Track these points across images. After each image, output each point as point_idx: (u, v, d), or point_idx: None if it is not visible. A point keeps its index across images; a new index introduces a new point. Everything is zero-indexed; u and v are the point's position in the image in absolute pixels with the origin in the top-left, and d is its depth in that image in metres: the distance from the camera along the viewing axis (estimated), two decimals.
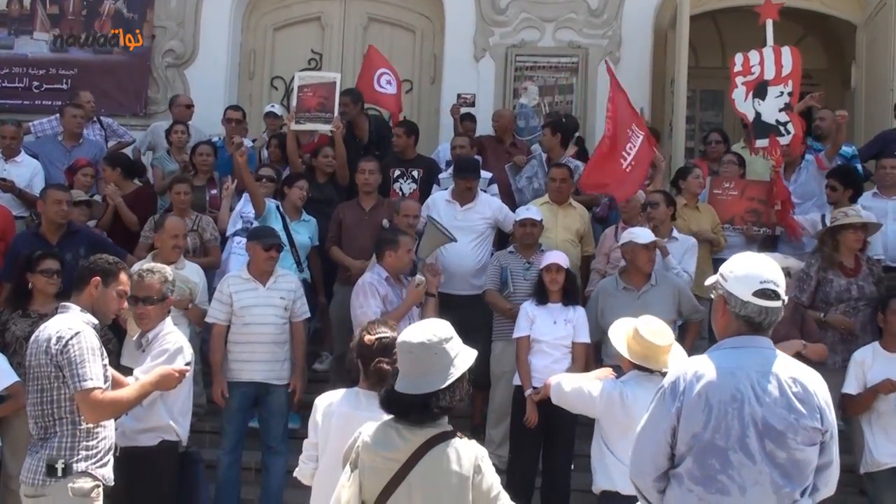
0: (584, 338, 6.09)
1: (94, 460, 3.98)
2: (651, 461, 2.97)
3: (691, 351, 5.05)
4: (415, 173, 8.08)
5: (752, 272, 2.98)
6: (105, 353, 4.06)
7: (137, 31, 10.61)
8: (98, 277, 4.13)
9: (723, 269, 3.07)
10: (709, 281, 3.15)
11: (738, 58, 7.57)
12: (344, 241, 7.26)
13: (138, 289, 4.70)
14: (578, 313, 6.14)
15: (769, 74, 7.38)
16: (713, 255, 7.20)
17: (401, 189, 8.02)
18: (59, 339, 3.90)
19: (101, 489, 4.01)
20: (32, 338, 4.06)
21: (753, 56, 7.49)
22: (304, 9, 10.94)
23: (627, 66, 10.04)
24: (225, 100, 9.88)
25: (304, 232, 7.28)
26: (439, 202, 7.30)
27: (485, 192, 7.63)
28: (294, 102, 8.16)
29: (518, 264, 6.70)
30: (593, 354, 6.24)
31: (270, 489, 6.15)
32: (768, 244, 7.44)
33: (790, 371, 2.94)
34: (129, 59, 10.66)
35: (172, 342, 4.66)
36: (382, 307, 5.98)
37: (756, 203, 7.49)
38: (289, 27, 10.96)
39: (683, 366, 3.00)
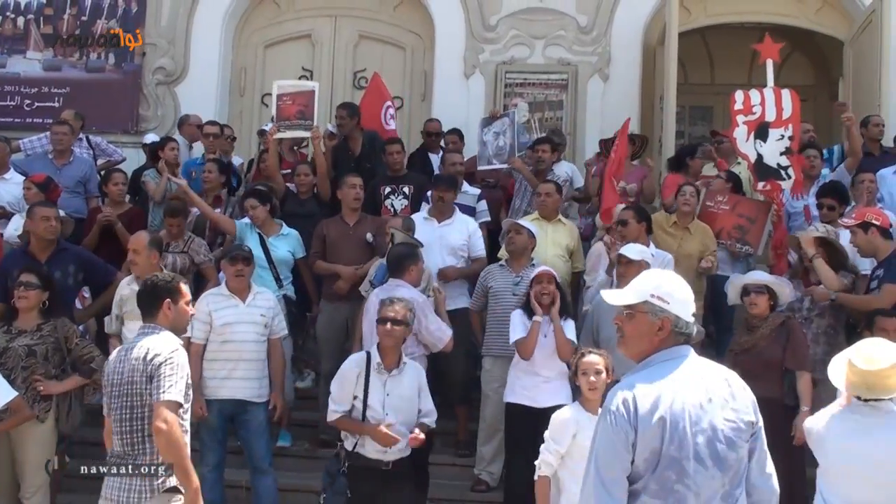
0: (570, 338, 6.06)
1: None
2: (622, 485, 2.93)
3: None
4: (405, 189, 8.09)
5: (688, 295, 3.10)
6: (189, 376, 4.15)
7: (137, 31, 10.68)
8: (168, 299, 4.23)
9: (657, 291, 3.06)
10: (633, 298, 3.08)
11: (739, 95, 7.56)
12: (328, 255, 7.26)
13: None
14: (567, 324, 6.09)
15: (770, 116, 7.40)
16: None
17: (392, 205, 8.02)
18: (156, 354, 4.00)
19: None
20: (118, 356, 4.14)
21: (754, 95, 7.51)
22: (295, 26, 11.00)
23: (616, 82, 10.13)
24: (215, 117, 9.87)
25: (283, 246, 7.23)
26: (417, 220, 7.28)
27: (474, 207, 7.65)
28: (274, 112, 8.18)
29: (506, 279, 6.65)
30: None
31: None
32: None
33: (720, 373, 3.08)
34: (121, 78, 10.72)
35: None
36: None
37: (744, 220, 7.48)
38: (279, 44, 11.01)
39: (625, 387, 2.98)
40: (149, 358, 3.98)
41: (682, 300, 3.06)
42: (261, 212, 7.23)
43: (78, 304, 7.02)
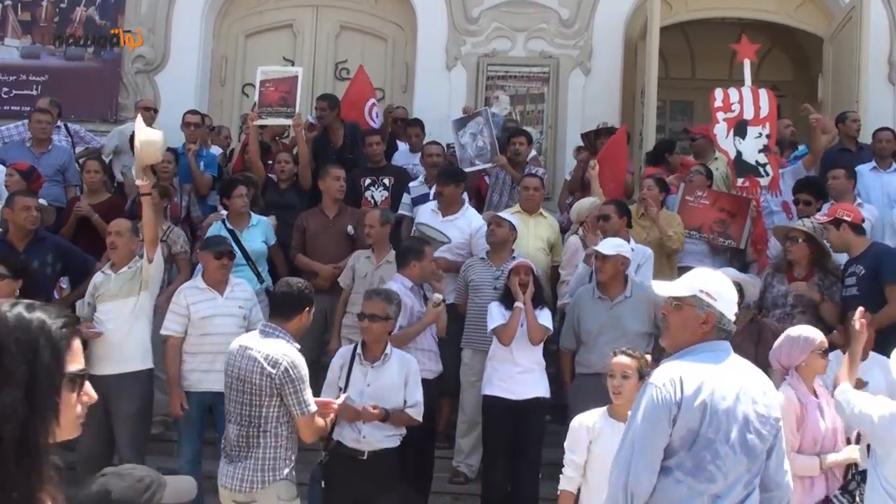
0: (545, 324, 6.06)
1: (291, 467, 4.43)
2: (659, 458, 3.10)
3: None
4: (385, 181, 8.09)
5: (734, 296, 3.30)
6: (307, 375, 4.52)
7: (138, 31, 10.60)
8: (308, 308, 4.55)
9: (705, 287, 3.22)
10: (682, 291, 3.23)
11: (718, 93, 7.65)
12: (308, 248, 7.25)
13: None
14: (543, 313, 6.09)
15: (748, 114, 7.50)
16: (678, 264, 7.20)
17: (372, 197, 8.03)
18: (275, 363, 4.27)
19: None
20: (239, 350, 4.50)
21: (733, 94, 7.60)
22: (276, 16, 10.96)
23: (598, 76, 10.17)
24: (195, 106, 9.82)
25: (256, 238, 7.18)
26: (425, 212, 7.29)
27: None
28: (256, 98, 8.13)
29: (486, 273, 6.61)
30: (569, 362, 6.23)
31: None
32: (736, 257, 7.51)
33: (755, 372, 3.30)
34: (100, 66, 10.66)
35: None
36: (409, 318, 5.94)
37: (725, 215, 7.53)
38: (260, 34, 10.97)
39: (671, 370, 3.15)
40: (268, 363, 4.28)
41: (728, 299, 3.24)
42: (245, 199, 7.21)
43: (55, 295, 6.97)
